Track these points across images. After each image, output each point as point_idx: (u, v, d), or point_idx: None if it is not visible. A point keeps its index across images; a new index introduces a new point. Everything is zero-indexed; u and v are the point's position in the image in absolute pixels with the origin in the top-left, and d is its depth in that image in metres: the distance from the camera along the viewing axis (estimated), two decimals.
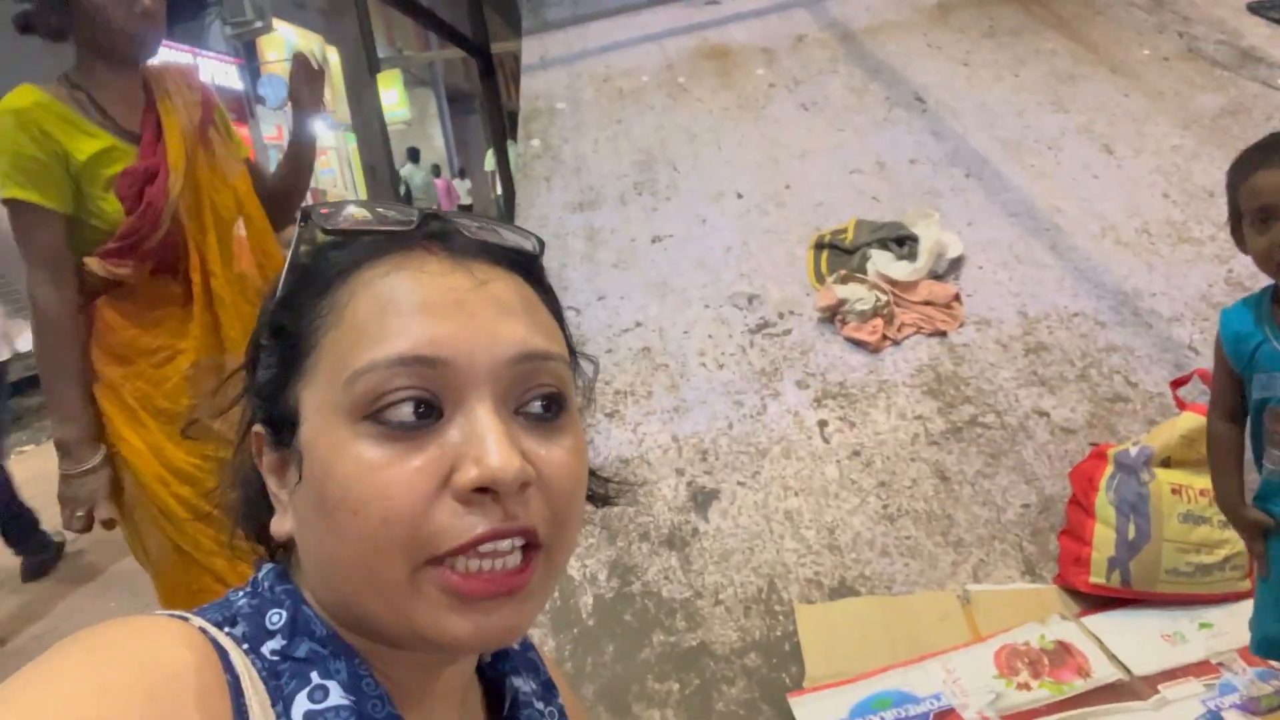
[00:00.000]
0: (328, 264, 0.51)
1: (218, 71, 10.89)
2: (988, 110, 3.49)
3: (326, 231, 0.52)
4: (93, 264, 1.59)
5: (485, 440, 0.45)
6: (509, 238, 0.54)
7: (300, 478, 0.49)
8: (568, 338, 0.57)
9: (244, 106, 11.51)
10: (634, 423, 2.53)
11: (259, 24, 10.92)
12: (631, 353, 2.76)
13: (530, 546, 0.48)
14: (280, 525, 0.51)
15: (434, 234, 0.51)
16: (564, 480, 0.49)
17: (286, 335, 0.51)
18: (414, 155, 13.76)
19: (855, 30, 4.15)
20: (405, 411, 0.46)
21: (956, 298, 2.65)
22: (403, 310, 0.47)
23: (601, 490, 0.63)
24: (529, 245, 0.56)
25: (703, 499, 2.29)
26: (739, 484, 2.32)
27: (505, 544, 0.46)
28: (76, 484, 1.58)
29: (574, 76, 4.29)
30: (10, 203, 1.52)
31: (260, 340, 0.53)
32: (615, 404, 2.60)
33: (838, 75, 3.88)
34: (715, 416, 2.50)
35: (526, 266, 0.55)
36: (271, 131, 12.62)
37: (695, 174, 3.48)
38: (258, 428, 0.53)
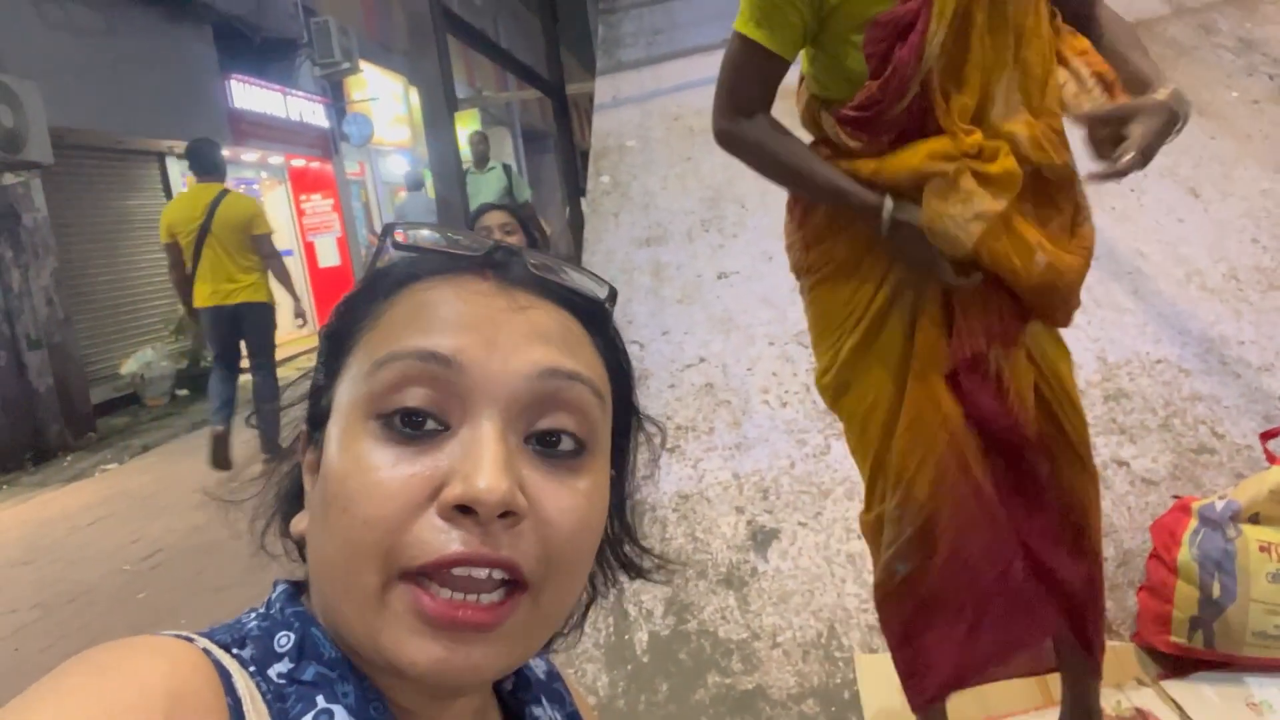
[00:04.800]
0: (389, 274, 0.52)
1: (306, 110, 11.32)
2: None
3: (397, 246, 0.52)
4: (826, 122, 1.39)
5: (480, 459, 0.44)
6: (572, 279, 0.53)
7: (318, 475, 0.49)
8: (632, 398, 0.55)
9: (329, 143, 11.94)
10: (694, 458, 2.51)
11: (346, 65, 11.40)
12: (694, 388, 2.75)
13: (513, 585, 0.45)
14: (299, 523, 0.52)
15: (495, 263, 0.51)
16: (564, 523, 0.46)
17: (336, 337, 0.52)
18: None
19: None
20: (413, 420, 0.45)
21: None
22: (433, 315, 0.48)
23: (638, 561, 0.61)
24: (591, 289, 0.54)
25: (762, 538, 2.25)
26: (800, 524, 2.27)
27: (481, 573, 0.44)
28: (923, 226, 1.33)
29: (645, 115, 4.34)
30: (741, 37, 1.37)
31: (321, 340, 0.54)
32: (676, 439, 2.59)
33: None
34: (777, 455, 2.47)
35: (589, 312, 0.53)
36: (355, 167, 13.06)
37: (763, 211, 3.47)
38: (302, 425, 0.54)
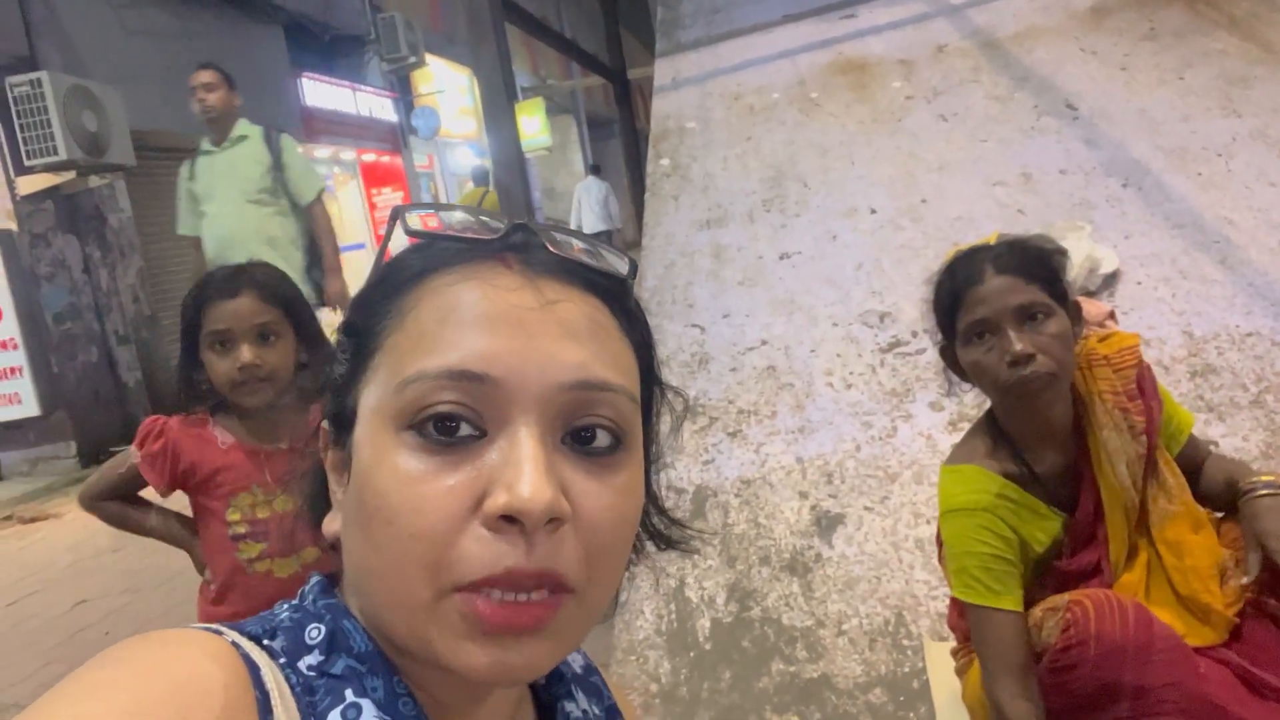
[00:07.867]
0: (404, 266, 0.51)
1: (374, 105, 11.52)
2: (1148, 116, 3.25)
3: (409, 233, 0.51)
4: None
5: (521, 467, 0.43)
6: (596, 258, 0.51)
7: (349, 480, 0.48)
8: (654, 368, 0.54)
9: (398, 136, 12.14)
10: (757, 443, 2.47)
11: (412, 59, 11.56)
12: (756, 371, 2.70)
13: (557, 589, 0.45)
14: (331, 524, 0.51)
15: (515, 246, 0.50)
16: (604, 522, 0.46)
17: (357, 333, 0.51)
18: (595, 170, 12.93)
19: (1000, 38, 3.97)
20: (447, 426, 0.45)
21: (1111, 315, 2.45)
22: (461, 322, 0.46)
23: (665, 531, 0.60)
24: (617, 268, 0.52)
25: (827, 523, 2.20)
26: (866, 509, 2.21)
27: (526, 583, 0.44)
28: None
29: (705, 95, 4.29)
30: (985, 610, 1.34)
31: (341, 335, 0.53)
32: (738, 423, 2.55)
33: (980, 85, 3.71)
34: (842, 438, 2.41)
35: (612, 290, 0.51)
36: (423, 160, 13.24)
37: (826, 190, 3.39)
38: (324, 423, 0.53)
